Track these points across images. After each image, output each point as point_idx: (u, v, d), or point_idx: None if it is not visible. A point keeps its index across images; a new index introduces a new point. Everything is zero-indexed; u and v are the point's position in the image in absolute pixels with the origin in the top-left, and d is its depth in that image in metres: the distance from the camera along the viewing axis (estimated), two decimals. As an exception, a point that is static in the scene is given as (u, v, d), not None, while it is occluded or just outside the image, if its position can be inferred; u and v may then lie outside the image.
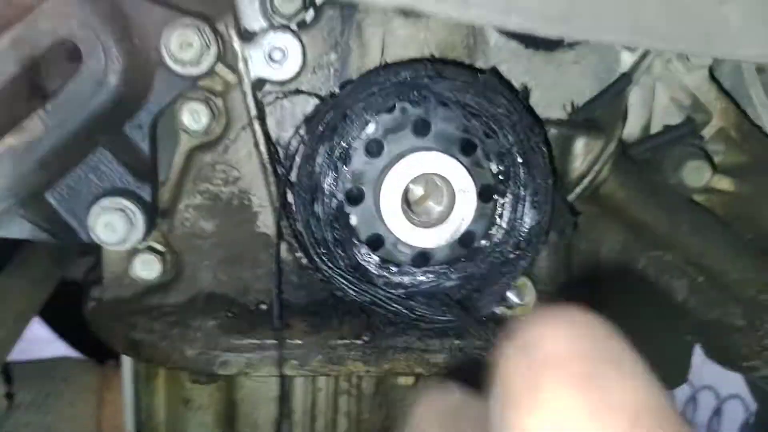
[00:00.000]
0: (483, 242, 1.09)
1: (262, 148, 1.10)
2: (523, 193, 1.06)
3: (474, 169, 1.05)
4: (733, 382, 3.95)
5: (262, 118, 1.09)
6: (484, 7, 0.69)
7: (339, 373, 1.12)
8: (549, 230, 1.10)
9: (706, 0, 0.72)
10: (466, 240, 1.08)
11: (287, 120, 1.11)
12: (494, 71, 1.07)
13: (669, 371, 1.22)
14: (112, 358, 1.81)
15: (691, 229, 1.17)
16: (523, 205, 1.07)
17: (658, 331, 1.22)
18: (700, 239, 1.17)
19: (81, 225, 1.08)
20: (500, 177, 1.07)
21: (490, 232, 1.09)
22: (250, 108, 1.08)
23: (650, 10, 0.72)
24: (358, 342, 1.11)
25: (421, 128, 1.04)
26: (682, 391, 4.53)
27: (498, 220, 1.08)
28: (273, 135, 1.11)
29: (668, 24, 0.72)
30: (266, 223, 1.14)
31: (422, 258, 1.09)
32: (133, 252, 1.13)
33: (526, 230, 1.08)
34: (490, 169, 1.07)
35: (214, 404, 1.25)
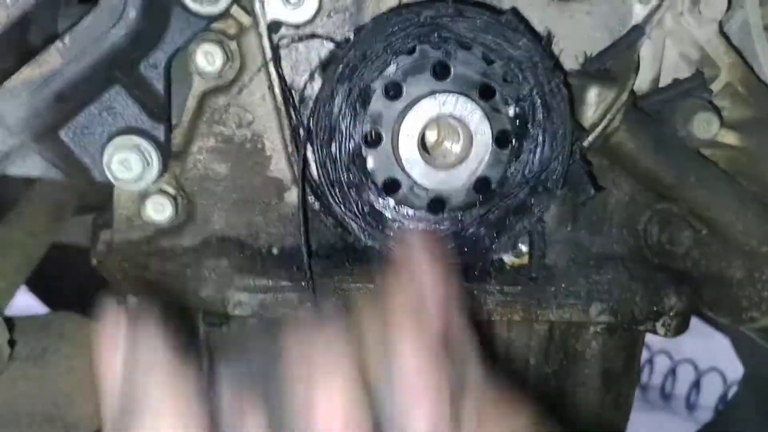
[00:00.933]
0: (498, 188, 1.10)
1: (277, 90, 1.10)
2: (541, 137, 1.07)
3: (492, 114, 1.05)
4: (711, 355, 4.03)
5: (276, 60, 1.09)
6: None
7: (352, 316, 1.12)
8: (565, 180, 1.11)
9: None
10: (481, 186, 1.09)
11: (301, 64, 1.11)
12: (515, 11, 1.07)
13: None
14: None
15: (698, 180, 1.18)
16: (541, 150, 1.08)
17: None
18: (706, 191, 1.19)
19: (94, 163, 1.08)
20: (517, 122, 1.08)
21: (505, 177, 1.09)
22: (265, 50, 1.08)
23: None
24: (371, 286, 1.12)
25: (441, 71, 1.05)
26: (662, 364, 4.61)
27: (514, 164, 1.09)
28: (287, 79, 1.11)
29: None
30: (279, 167, 1.14)
31: (438, 203, 1.10)
32: (145, 194, 1.12)
33: (543, 176, 1.09)
34: (508, 114, 1.07)
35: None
